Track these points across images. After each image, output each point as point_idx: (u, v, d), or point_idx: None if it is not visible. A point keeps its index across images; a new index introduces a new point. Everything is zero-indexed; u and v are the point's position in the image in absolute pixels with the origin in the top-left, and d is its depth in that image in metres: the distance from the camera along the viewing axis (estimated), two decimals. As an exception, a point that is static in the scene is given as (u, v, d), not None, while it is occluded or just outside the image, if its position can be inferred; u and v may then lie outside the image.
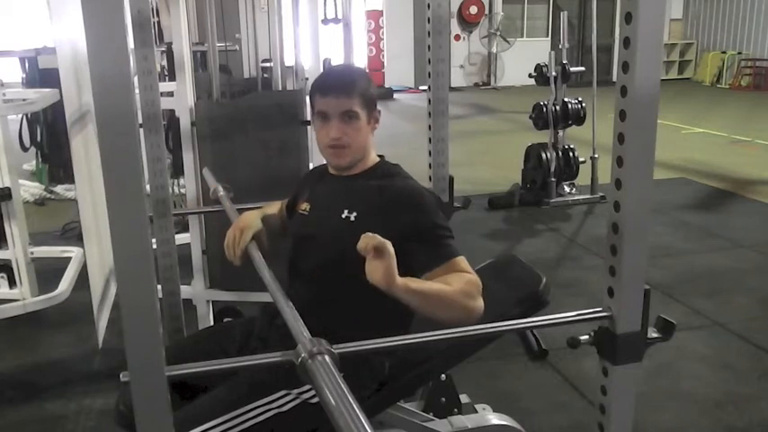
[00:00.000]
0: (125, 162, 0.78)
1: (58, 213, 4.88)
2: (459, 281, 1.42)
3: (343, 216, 1.57)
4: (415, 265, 1.47)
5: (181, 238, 2.67)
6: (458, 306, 1.39)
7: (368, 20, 12.91)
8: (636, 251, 1.14)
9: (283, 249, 1.73)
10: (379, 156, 1.72)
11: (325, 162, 1.74)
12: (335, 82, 1.60)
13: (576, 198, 5.31)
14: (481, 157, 7.15)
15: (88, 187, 2.82)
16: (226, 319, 2.72)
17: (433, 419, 1.85)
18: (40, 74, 4.79)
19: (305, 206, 1.70)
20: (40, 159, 5.30)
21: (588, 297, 3.42)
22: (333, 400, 0.91)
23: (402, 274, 1.37)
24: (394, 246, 1.42)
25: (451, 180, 2.27)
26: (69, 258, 3.52)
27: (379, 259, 1.28)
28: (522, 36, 13.80)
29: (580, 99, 5.34)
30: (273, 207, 1.88)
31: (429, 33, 2.18)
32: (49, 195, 5.47)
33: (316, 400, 1.43)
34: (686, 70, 14.72)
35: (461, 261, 1.48)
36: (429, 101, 2.24)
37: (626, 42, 1.08)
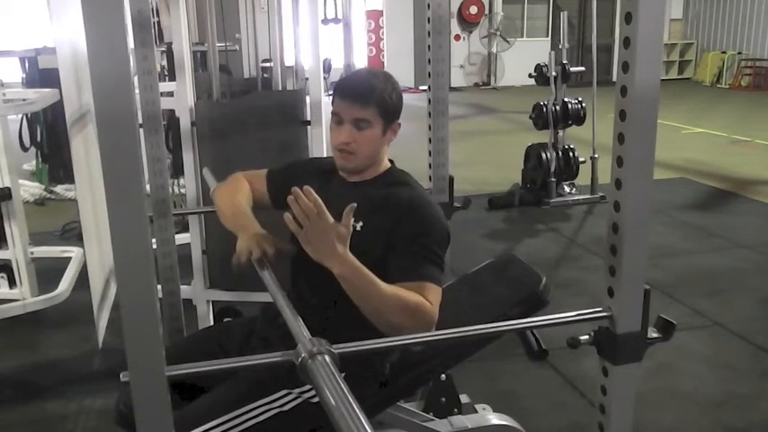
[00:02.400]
0: (125, 162, 0.78)
1: (58, 213, 4.88)
2: (410, 301, 1.39)
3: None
4: (391, 271, 1.46)
5: (181, 238, 2.67)
6: (394, 322, 1.37)
7: (368, 20, 12.92)
8: (636, 251, 1.14)
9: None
10: (390, 160, 1.70)
11: (331, 156, 1.72)
12: (355, 87, 1.58)
13: (576, 198, 5.31)
14: (481, 157, 7.15)
15: (88, 187, 2.83)
16: (226, 319, 2.72)
17: (433, 419, 1.85)
18: (40, 74, 4.79)
19: None
20: (40, 159, 5.30)
21: (588, 297, 3.42)
22: (333, 400, 0.92)
23: (376, 274, 1.39)
24: (385, 252, 1.43)
25: (451, 180, 2.27)
26: (69, 258, 3.53)
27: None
28: (522, 36, 13.80)
29: (580, 99, 5.34)
30: (243, 192, 1.76)
31: (429, 33, 2.18)
32: (49, 195, 5.47)
33: (317, 399, 1.43)
34: (686, 70, 14.71)
35: (431, 289, 1.44)
36: (429, 101, 2.24)
37: (626, 42, 1.08)
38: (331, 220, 1.34)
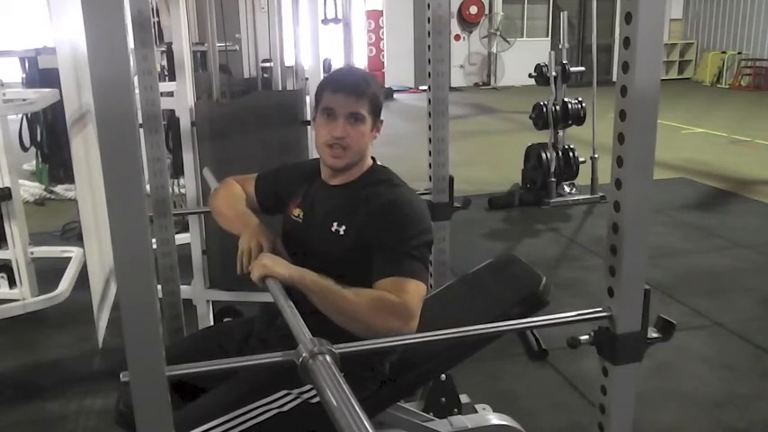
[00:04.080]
0: (125, 162, 0.78)
1: (58, 213, 4.88)
2: (379, 294, 1.40)
3: (333, 229, 1.55)
4: (374, 270, 1.46)
5: (181, 238, 2.67)
6: (360, 318, 1.38)
7: (368, 20, 12.90)
8: (636, 251, 1.14)
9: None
10: (372, 158, 1.68)
11: (316, 158, 1.71)
12: (349, 81, 1.57)
13: (576, 198, 5.31)
14: (481, 157, 7.15)
15: (88, 187, 2.83)
16: (226, 319, 2.72)
17: (433, 419, 1.85)
18: (40, 74, 4.78)
19: (297, 212, 1.67)
20: (40, 159, 5.29)
21: (588, 297, 3.42)
22: (334, 400, 0.91)
23: (361, 278, 1.42)
24: (368, 253, 1.45)
25: (451, 180, 2.27)
26: (69, 258, 3.52)
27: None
28: (522, 36, 13.80)
29: (580, 99, 5.34)
30: (238, 194, 1.79)
31: (429, 33, 2.18)
32: (49, 195, 5.47)
33: (317, 399, 1.43)
34: (686, 70, 14.71)
35: (408, 283, 1.42)
36: (429, 101, 2.24)
37: (626, 42, 1.08)
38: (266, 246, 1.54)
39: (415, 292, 1.43)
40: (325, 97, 1.57)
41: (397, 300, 1.40)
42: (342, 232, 1.54)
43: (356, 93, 1.54)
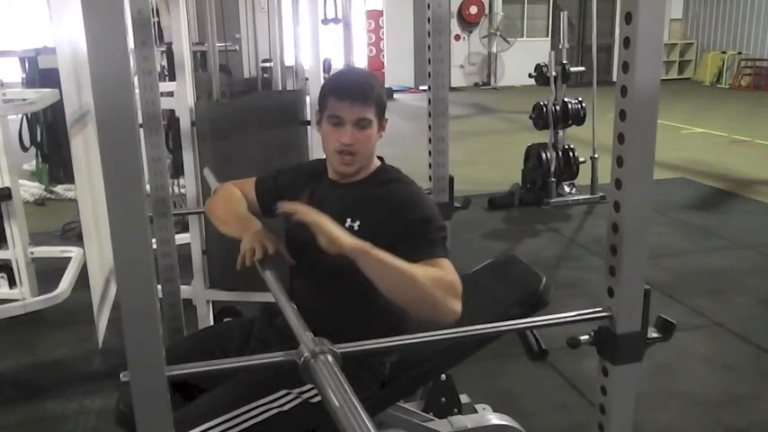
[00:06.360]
0: (125, 162, 0.78)
1: (58, 213, 4.88)
2: (434, 272, 1.39)
3: (347, 225, 1.53)
4: (406, 256, 1.43)
5: (181, 238, 2.67)
6: (425, 292, 1.35)
7: (368, 20, 12.90)
8: (636, 251, 1.14)
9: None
10: (379, 157, 1.69)
11: (318, 159, 1.71)
12: (354, 87, 1.54)
13: (576, 198, 5.31)
14: (481, 157, 7.15)
15: (88, 187, 2.82)
16: (226, 319, 2.72)
17: (433, 419, 1.85)
18: (40, 74, 4.78)
19: None
20: (40, 159, 5.30)
21: (588, 297, 3.42)
22: (335, 400, 0.92)
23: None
24: (389, 247, 1.41)
25: (451, 180, 2.27)
26: (69, 258, 3.53)
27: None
28: (522, 36, 13.80)
29: (580, 99, 5.34)
30: (236, 198, 1.77)
31: (429, 33, 2.19)
32: (49, 195, 5.48)
33: (316, 399, 1.43)
34: (686, 70, 14.71)
35: (445, 263, 1.43)
36: (429, 101, 2.24)
37: (626, 42, 1.08)
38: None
39: (453, 270, 1.43)
40: (331, 104, 1.54)
41: (450, 278, 1.40)
42: (357, 228, 1.53)
43: (362, 99, 1.53)
